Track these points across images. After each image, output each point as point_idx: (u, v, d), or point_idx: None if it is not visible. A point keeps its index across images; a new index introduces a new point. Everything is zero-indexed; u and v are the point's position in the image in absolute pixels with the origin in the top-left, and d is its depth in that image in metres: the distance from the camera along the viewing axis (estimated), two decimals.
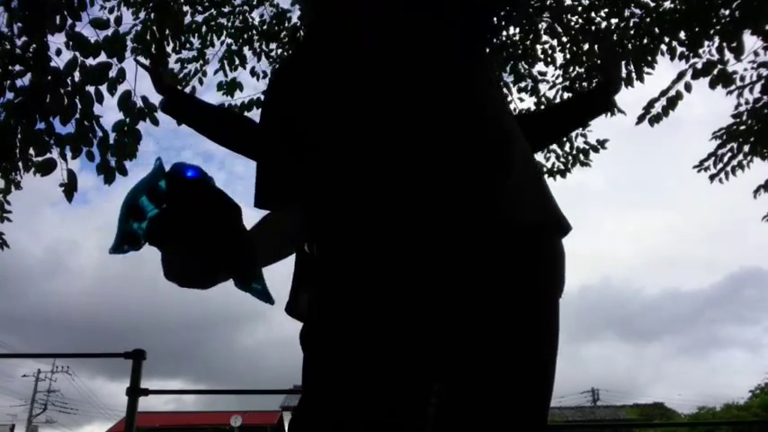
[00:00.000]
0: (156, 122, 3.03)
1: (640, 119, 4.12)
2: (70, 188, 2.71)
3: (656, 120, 4.09)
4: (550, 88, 4.79)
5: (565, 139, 4.69)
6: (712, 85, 3.86)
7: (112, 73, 2.89)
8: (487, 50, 4.53)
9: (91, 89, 2.76)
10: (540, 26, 4.58)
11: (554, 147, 4.80)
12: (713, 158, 4.76)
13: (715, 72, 3.85)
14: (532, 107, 4.91)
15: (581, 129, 4.49)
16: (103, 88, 2.84)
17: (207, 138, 1.56)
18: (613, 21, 4.30)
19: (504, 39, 4.67)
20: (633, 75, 4.08)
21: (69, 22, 2.64)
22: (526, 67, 4.79)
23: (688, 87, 3.96)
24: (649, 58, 4.11)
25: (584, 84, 4.63)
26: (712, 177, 4.80)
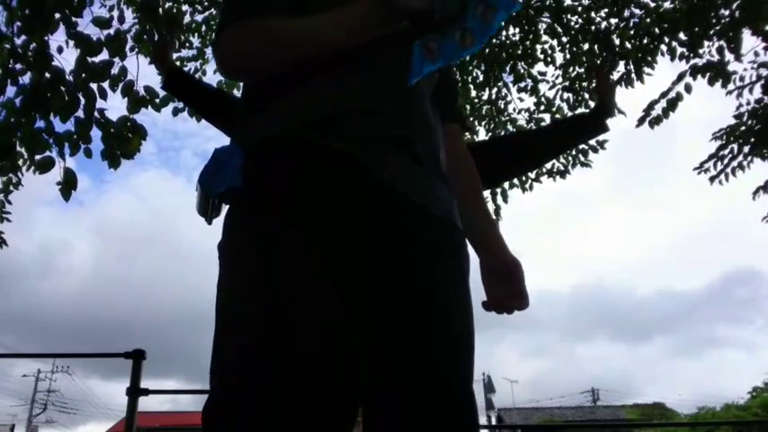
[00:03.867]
0: (157, 109, 3.06)
1: (641, 121, 4.11)
2: (68, 186, 2.72)
3: (656, 122, 4.09)
4: (550, 88, 4.80)
5: None
6: (711, 82, 3.85)
7: (114, 70, 2.90)
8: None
9: (93, 86, 2.78)
10: (539, 26, 4.59)
11: None
12: (713, 160, 4.76)
13: (714, 70, 3.84)
14: (532, 107, 4.92)
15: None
16: (106, 85, 2.87)
17: (200, 115, 1.68)
18: (613, 21, 4.31)
19: (503, 39, 4.68)
20: (633, 75, 4.08)
21: (71, 20, 2.65)
22: (525, 67, 4.79)
23: (688, 89, 3.96)
24: (649, 59, 4.11)
25: (584, 83, 4.64)
26: (713, 179, 4.79)
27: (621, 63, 4.26)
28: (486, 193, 4.91)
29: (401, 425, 0.85)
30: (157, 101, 3.08)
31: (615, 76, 4.33)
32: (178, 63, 4.52)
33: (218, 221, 1.03)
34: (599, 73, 1.87)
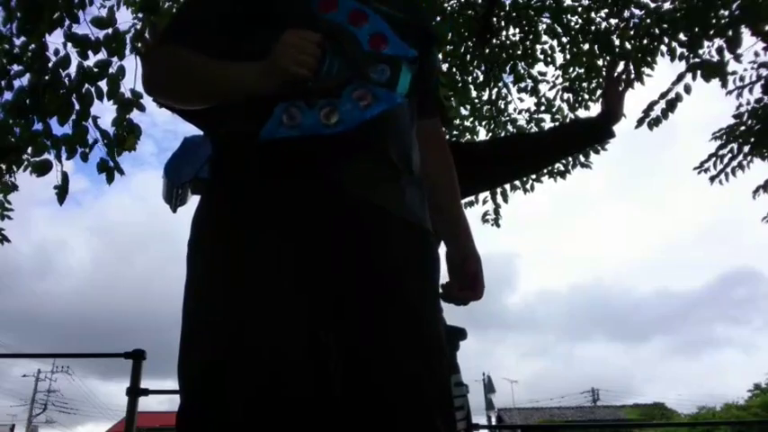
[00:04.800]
0: (141, 109, 3.03)
1: (640, 122, 4.10)
2: (63, 191, 2.72)
3: (655, 123, 4.07)
4: (550, 89, 4.79)
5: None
6: (707, 79, 3.83)
7: (112, 70, 2.89)
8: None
9: (91, 88, 2.77)
10: (539, 26, 4.59)
11: None
12: (713, 160, 4.75)
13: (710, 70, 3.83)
14: (532, 107, 4.91)
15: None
16: (104, 85, 2.86)
17: (197, 128, 1.62)
18: (613, 21, 4.31)
19: (503, 39, 4.67)
20: (633, 76, 4.08)
21: (67, 22, 2.64)
22: (526, 67, 4.79)
23: (687, 89, 3.95)
24: (649, 59, 4.10)
25: (584, 84, 4.63)
26: (713, 179, 4.78)
27: (621, 63, 4.25)
28: (487, 194, 4.91)
29: (375, 428, 0.86)
30: (142, 101, 3.05)
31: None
32: None
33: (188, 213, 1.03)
34: (609, 77, 1.79)
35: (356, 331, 0.90)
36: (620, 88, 1.73)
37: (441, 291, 1.12)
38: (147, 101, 3.10)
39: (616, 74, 1.76)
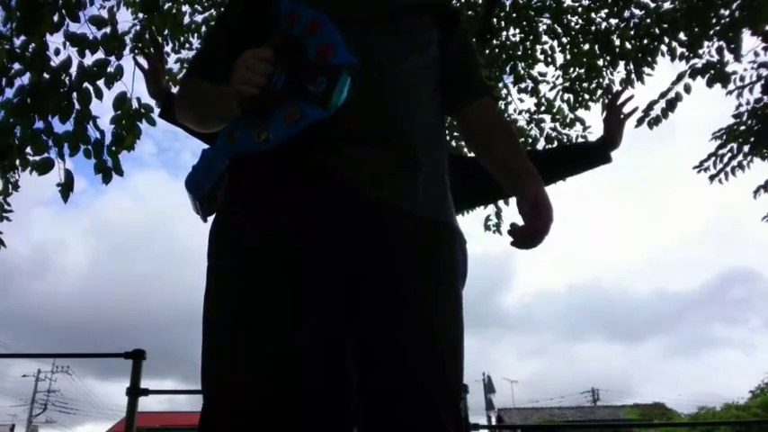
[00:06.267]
0: (152, 123, 3.02)
1: (639, 122, 4.10)
2: (67, 188, 2.72)
3: (655, 122, 4.07)
4: (551, 89, 4.80)
5: (565, 141, 4.71)
6: (710, 84, 3.84)
7: (110, 69, 2.88)
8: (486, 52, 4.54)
9: (90, 87, 2.77)
10: (539, 27, 4.59)
11: None
12: (713, 159, 4.76)
13: (712, 71, 3.84)
14: (532, 108, 4.92)
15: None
16: (102, 84, 2.85)
17: (202, 141, 1.59)
18: (613, 21, 4.31)
19: (503, 39, 4.68)
20: (633, 76, 4.08)
21: (67, 21, 2.64)
22: (526, 67, 4.80)
23: (687, 89, 3.95)
24: (649, 59, 4.11)
25: (584, 84, 4.63)
26: (712, 178, 4.79)
27: (621, 63, 4.26)
28: None
29: (378, 426, 0.89)
30: (152, 115, 3.04)
31: (616, 76, 4.33)
32: (178, 65, 4.52)
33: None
34: (612, 103, 1.77)
35: (366, 333, 0.91)
36: (621, 116, 1.73)
37: (509, 235, 1.03)
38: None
39: (618, 102, 1.74)
